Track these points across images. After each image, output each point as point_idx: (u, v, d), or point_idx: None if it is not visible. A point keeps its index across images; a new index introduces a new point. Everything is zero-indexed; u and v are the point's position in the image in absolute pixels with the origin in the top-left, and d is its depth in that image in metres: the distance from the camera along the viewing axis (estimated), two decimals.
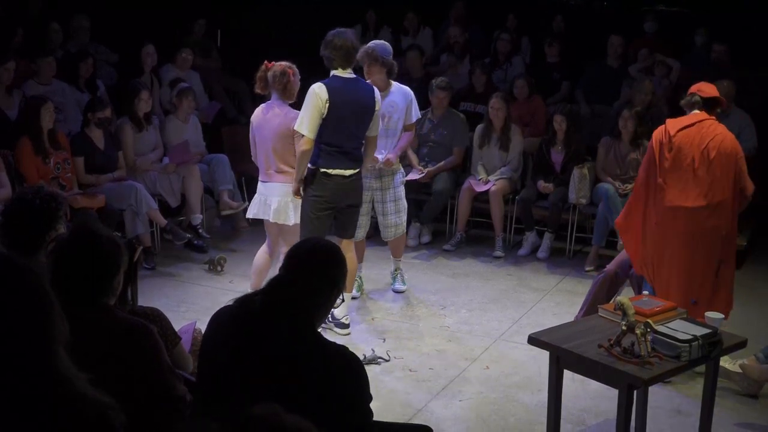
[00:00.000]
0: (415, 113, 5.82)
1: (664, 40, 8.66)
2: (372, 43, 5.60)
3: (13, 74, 6.66)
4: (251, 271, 5.51)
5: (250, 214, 5.46)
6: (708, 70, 7.76)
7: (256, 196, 5.40)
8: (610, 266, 5.11)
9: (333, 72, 5.01)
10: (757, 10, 8.63)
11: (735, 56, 8.09)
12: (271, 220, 5.28)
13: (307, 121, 4.86)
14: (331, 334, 5.22)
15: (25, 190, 3.76)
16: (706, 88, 4.80)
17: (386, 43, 5.66)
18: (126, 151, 6.65)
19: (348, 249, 5.26)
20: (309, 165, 5.02)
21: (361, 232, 5.74)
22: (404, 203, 5.89)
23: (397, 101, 5.70)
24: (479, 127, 7.24)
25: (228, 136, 8.26)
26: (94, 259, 2.63)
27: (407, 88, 5.81)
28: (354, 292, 5.84)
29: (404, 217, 5.92)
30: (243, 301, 2.60)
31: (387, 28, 9.85)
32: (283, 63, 5.24)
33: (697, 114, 4.74)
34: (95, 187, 6.32)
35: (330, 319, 5.31)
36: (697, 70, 8.02)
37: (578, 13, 9.53)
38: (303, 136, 4.88)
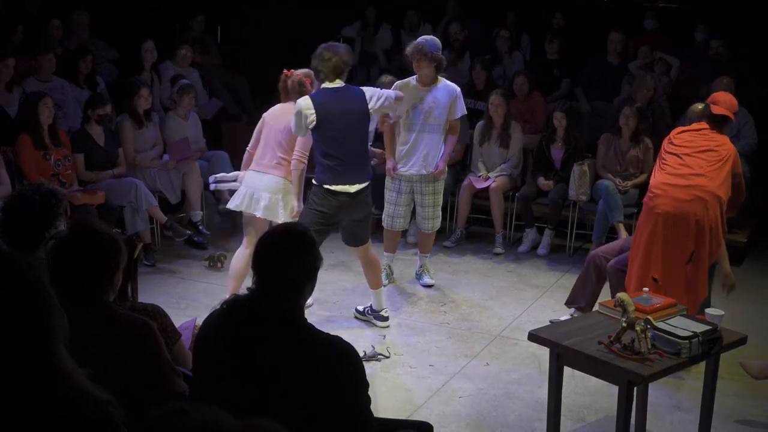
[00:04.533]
0: (460, 109, 5.84)
1: (663, 37, 8.66)
2: (422, 38, 5.70)
3: (13, 71, 6.67)
4: (229, 274, 5.38)
5: (231, 205, 5.32)
6: (707, 67, 7.77)
7: (241, 188, 5.29)
8: (599, 251, 5.21)
9: (321, 85, 4.98)
10: (757, 7, 8.62)
11: (734, 52, 8.09)
12: (260, 216, 5.16)
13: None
14: (371, 329, 5.34)
15: (25, 187, 3.76)
16: (723, 103, 4.85)
17: (435, 38, 5.75)
18: (126, 147, 6.65)
19: (367, 250, 5.27)
20: (313, 182, 5.01)
21: (401, 222, 6.00)
22: (441, 197, 6.05)
23: (439, 97, 5.75)
24: (479, 124, 7.24)
25: (228, 132, 8.26)
26: (94, 257, 2.63)
27: (454, 85, 5.86)
28: (383, 280, 6.01)
29: (440, 211, 6.09)
30: (231, 305, 2.58)
31: (387, 25, 9.84)
32: (301, 71, 5.24)
33: (702, 124, 4.83)
34: (95, 183, 6.33)
35: (370, 311, 5.41)
36: (696, 67, 8.03)
37: (578, 10, 9.50)
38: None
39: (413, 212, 6.20)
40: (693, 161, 4.69)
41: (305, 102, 4.84)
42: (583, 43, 8.74)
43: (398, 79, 5.94)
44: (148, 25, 8.59)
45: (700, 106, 4.99)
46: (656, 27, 8.81)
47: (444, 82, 5.81)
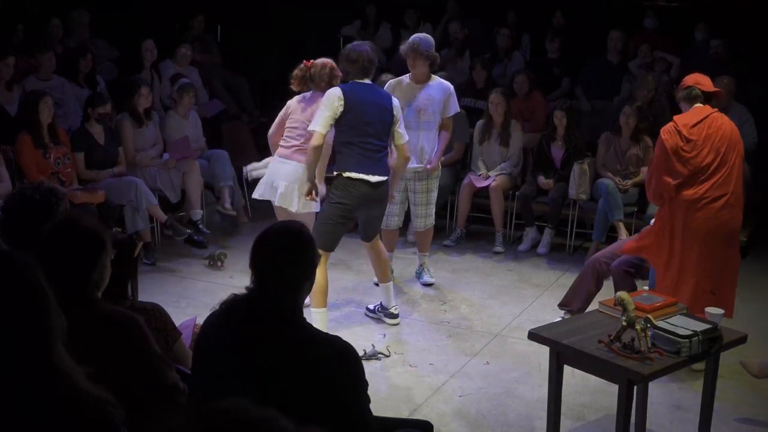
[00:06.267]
0: (453, 107, 5.86)
1: (663, 36, 8.66)
2: (415, 37, 5.71)
3: (13, 70, 6.67)
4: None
5: (256, 194, 5.51)
6: (707, 66, 7.76)
7: (264, 177, 5.45)
8: (599, 256, 5.17)
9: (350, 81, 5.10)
10: (757, 7, 8.62)
11: (734, 52, 8.08)
12: (276, 203, 5.32)
13: (319, 119, 4.92)
14: (371, 327, 5.33)
15: (25, 185, 3.75)
16: (704, 81, 4.80)
17: (429, 36, 5.77)
18: (126, 146, 6.65)
19: (377, 242, 5.34)
20: (334, 173, 5.04)
21: (395, 220, 5.96)
22: (435, 195, 6.03)
23: (434, 94, 5.77)
24: (479, 123, 7.24)
25: (228, 132, 8.25)
26: (71, 251, 2.59)
27: (447, 83, 5.87)
28: None
29: (433, 209, 6.08)
30: (230, 304, 2.57)
31: (387, 24, 9.85)
32: (324, 59, 5.34)
33: (700, 108, 4.73)
34: (95, 182, 6.32)
35: (380, 309, 5.44)
36: (696, 66, 8.02)
37: (578, 9, 9.51)
38: (314, 132, 4.93)
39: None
40: (722, 168, 4.66)
41: (336, 89, 4.95)
42: (583, 41, 8.74)
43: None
44: (148, 24, 8.59)
45: (681, 94, 4.84)
46: (656, 26, 8.82)
47: (437, 80, 5.81)
